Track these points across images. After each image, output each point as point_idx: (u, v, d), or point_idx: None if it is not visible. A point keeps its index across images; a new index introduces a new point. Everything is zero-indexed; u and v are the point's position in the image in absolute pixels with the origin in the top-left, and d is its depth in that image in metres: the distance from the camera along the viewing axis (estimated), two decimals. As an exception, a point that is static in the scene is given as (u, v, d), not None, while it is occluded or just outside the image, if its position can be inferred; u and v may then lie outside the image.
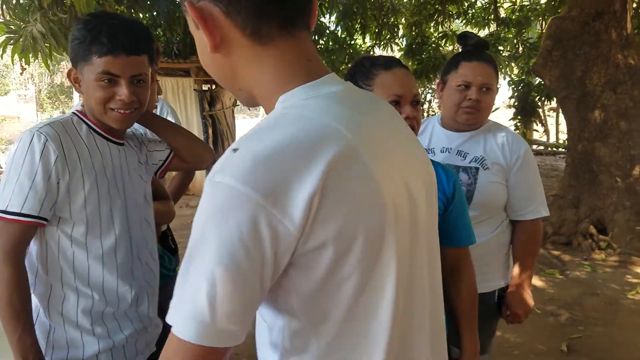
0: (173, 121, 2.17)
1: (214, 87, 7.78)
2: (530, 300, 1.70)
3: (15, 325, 1.11)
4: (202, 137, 7.26)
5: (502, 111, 11.79)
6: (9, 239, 1.11)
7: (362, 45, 8.81)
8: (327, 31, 7.62)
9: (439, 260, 0.82)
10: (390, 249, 0.66)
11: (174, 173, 2.20)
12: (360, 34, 7.98)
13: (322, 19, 7.50)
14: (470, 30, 10.06)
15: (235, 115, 9.01)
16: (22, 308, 1.12)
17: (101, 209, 1.21)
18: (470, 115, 1.63)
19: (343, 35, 7.71)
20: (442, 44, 8.63)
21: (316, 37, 7.44)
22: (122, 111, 1.19)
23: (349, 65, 1.84)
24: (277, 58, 0.69)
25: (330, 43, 7.78)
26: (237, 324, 0.60)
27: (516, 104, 10.24)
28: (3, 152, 11.11)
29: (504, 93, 11.06)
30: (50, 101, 20.12)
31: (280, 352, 0.70)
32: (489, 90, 1.62)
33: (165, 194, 1.81)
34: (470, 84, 1.60)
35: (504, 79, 9.89)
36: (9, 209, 1.11)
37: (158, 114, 2.20)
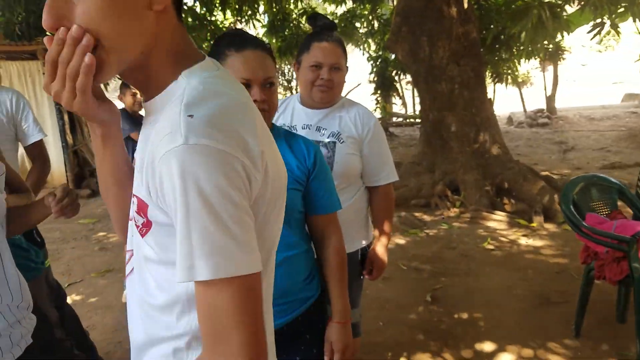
0: (28, 115, 2.07)
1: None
2: (384, 256, 1.88)
3: None
4: (57, 125, 6.56)
5: (365, 86, 12.39)
6: None
7: (224, 22, 8.57)
8: (185, 7, 7.27)
9: None
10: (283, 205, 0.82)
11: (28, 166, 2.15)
12: (220, 10, 7.76)
13: (179, -6, 7.13)
14: (327, 7, 10.33)
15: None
16: None
17: None
18: (324, 94, 1.74)
19: (202, 12, 7.44)
20: (303, 21, 8.76)
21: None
22: None
23: (212, 42, 1.85)
24: (185, 36, 0.76)
25: (190, 19, 7.47)
26: (255, 249, 0.64)
27: (375, 79, 10.84)
28: None
29: (365, 69, 11.64)
30: None
31: None
32: (338, 69, 1.74)
33: (24, 187, 1.74)
34: (321, 64, 1.71)
35: (363, 54, 10.37)
36: None
37: (10, 109, 2.03)
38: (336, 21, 9.02)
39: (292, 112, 1.84)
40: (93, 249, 4.77)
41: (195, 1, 7.33)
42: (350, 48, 9.93)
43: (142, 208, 0.71)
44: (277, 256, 1.17)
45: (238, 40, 1.22)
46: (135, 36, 0.69)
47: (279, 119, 1.82)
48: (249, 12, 7.87)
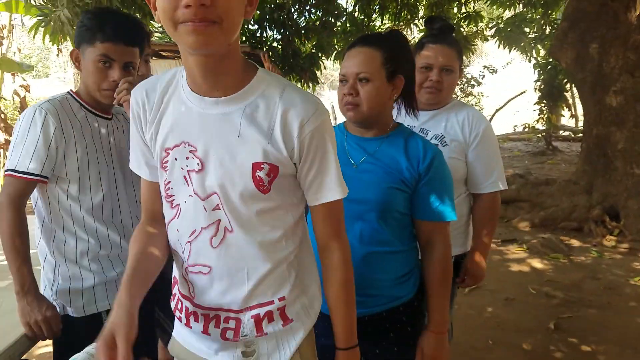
0: None
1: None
2: (484, 266, 1.80)
3: (15, 258, 1.35)
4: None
5: (530, 94, 11.52)
6: (16, 191, 1.37)
7: (381, 27, 8.75)
8: (345, 13, 7.61)
9: None
10: None
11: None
12: (379, 16, 7.94)
13: (339, 1, 7.51)
14: (495, 11, 9.82)
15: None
16: (21, 244, 1.36)
17: (90, 171, 1.45)
18: (431, 95, 1.73)
19: (361, 17, 7.69)
20: (465, 25, 8.49)
21: (332, 20, 7.47)
22: (111, 91, 1.43)
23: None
24: None
25: (348, 25, 7.78)
26: None
27: (542, 87, 10.00)
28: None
29: (530, 76, 10.83)
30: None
31: None
32: (450, 71, 1.71)
33: None
34: (431, 66, 1.70)
35: (529, 61, 9.65)
36: (17, 168, 1.35)
37: None
38: (501, 25, 8.59)
39: (398, 113, 1.86)
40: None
41: (354, 7, 7.62)
42: (514, 54, 9.34)
43: (273, 170, 0.94)
44: (364, 249, 1.30)
45: (354, 40, 1.33)
46: (234, 36, 0.87)
47: None
48: (408, 17, 7.92)
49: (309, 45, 7.99)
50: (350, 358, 1.13)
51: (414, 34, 8.81)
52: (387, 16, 7.99)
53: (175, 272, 1.09)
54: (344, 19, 7.70)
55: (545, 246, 4.76)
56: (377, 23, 8.70)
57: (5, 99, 7.79)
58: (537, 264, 4.39)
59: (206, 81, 0.91)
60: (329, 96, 16.34)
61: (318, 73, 7.36)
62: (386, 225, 1.32)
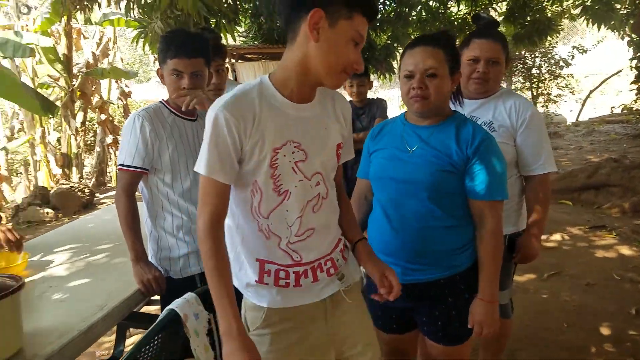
0: None
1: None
2: (537, 245, 1.87)
3: (130, 234, 1.71)
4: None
5: (627, 72, 10.68)
6: (127, 182, 1.72)
7: (457, 13, 8.59)
8: (420, 2, 7.58)
9: None
10: None
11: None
12: (456, 2, 7.82)
13: (414, -10, 7.50)
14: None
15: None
16: (134, 223, 1.72)
17: (180, 163, 1.76)
18: (479, 85, 1.87)
19: (436, 5, 7.63)
20: (549, 5, 8.10)
21: (406, 10, 7.48)
22: (184, 97, 1.74)
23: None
24: None
25: (423, 13, 7.75)
26: None
27: (638, 65, 9.27)
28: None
29: (625, 54, 10.04)
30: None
31: None
32: (496, 63, 1.84)
33: None
34: (478, 58, 1.84)
35: (622, 38, 8.98)
36: (125, 163, 1.70)
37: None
38: (588, 3, 8.08)
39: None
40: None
41: (430, -5, 7.57)
42: (604, 32, 8.73)
43: (342, 145, 1.34)
44: (419, 224, 1.52)
45: (414, 41, 1.52)
46: None
47: None
48: (486, 2, 7.72)
49: (384, 36, 8.05)
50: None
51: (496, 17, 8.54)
52: (464, 2, 7.83)
53: (267, 256, 1.27)
54: (418, 8, 7.67)
55: (636, 232, 4.52)
56: (454, 10, 8.54)
57: (113, 103, 8.68)
58: (625, 250, 4.19)
59: (301, 94, 1.22)
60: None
61: (394, 63, 7.42)
62: (437, 203, 1.48)
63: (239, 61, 8.25)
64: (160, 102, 1.83)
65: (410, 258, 1.52)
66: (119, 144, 9.31)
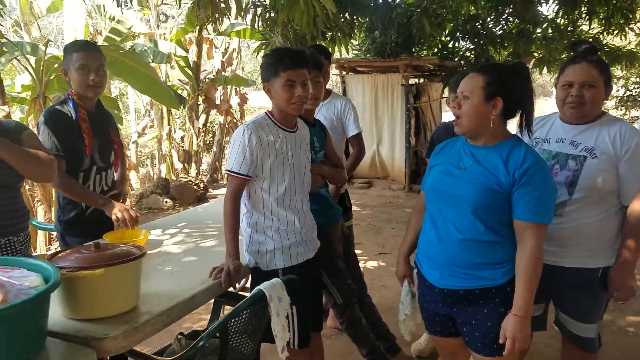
0: (350, 116, 2.85)
1: (420, 81, 8.19)
2: (630, 281, 1.79)
3: (230, 232, 1.87)
4: (404, 128, 7.77)
5: None
6: (234, 187, 1.89)
7: (588, 32, 8.03)
8: (546, 20, 7.24)
9: None
10: None
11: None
12: (587, 20, 7.33)
13: (539, 8, 7.19)
14: None
15: (445, 107, 9.28)
16: (235, 223, 1.88)
17: (277, 171, 1.92)
18: (573, 110, 1.83)
19: (565, 23, 7.22)
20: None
21: (530, 27, 7.19)
22: (298, 103, 1.89)
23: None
24: None
25: (550, 31, 7.39)
26: None
27: None
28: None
29: None
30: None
31: None
32: (592, 87, 1.79)
33: (340, 164, 2.47)
34: (572, 83, 1.82)
35: None
36: (233, 170, 1.87)
37: (340, 111, 2.87)
38: None
39: (550, 127, 1.96)
40: (408, 232, 5.61)
41: (557, 13, 7.20)
42: None
43: None
44: (460, 235, 1.61)
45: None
46: None
47: (536, 132, 1.95)
48: (621, 21, 7.15)
49: (504, 52, 7.80)
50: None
51: (630, 39, 7.88)
52: (596, 21, 7.32)
53: None
54: (544, 25, 7.32)
55: None
56: (585, 28, 8.02)
57: (232, 108, 9.37)
58: None
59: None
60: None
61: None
62: (481, 218, 1.56)
63: (350, 73, 8.49)
64: (265, 113, 1.98)
65: (449, 265, 1.63)
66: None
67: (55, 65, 5.70)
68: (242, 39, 8.95)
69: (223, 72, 8.55)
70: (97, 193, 2.20)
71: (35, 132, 2.09)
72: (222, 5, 4.84)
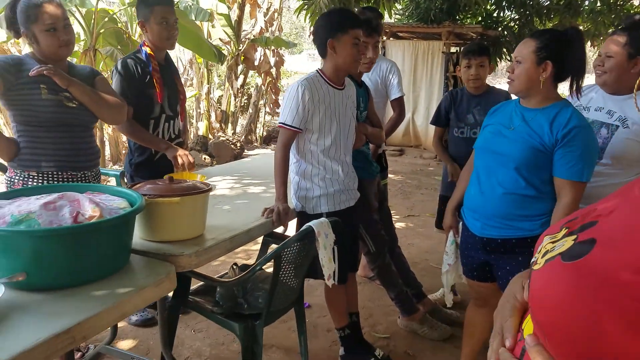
0: (395, 79, 2.96)
1: (460, 49, 8.13)
2: None
3: (280, 177, 2.06)
4: (441, 97, 7.78)
5: None
6: (286, 138, 2.06)
7: (638, 7, 7.77)
8: (593, -7, 7.06)
9: None
10: None
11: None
12: (638, -6, 7.11)
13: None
14: None
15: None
16: (285, 169, 2.07)
17: (325, 125, 2.09)
18: (598, 78, 1.97)
19: (612, -3, 7.03)
20: None
21: (579, 0, 7.04)
22: (361, 62, 2.07)
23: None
24: None
25: (598, 4, 7.21)
26: None
27: None
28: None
29: None
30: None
31: None
32: (610, 57, 1.89)
33: (380, 125, 2.64)
34: (600, 53, 1.96)
35: None
36: (286, 122, 2.04)
37: (385, 73, 2.97)
38: None
39: (593, 95, 2.05)
40: (435, 199, 5.73)
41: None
42: None
43: None
44: (503, 189, 1.78)
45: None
46: None
47: (581, 100, 2.03)
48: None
49: (549, 24, 7.65)
50: None
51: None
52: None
53: None
54: (592, -1, 7.14)
55: None
56: (635, 2, 7.76)
57: (272, 68, 9.46)
58: None
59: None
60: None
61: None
62: (523, 175, 1.71)
63: (391, 39, 8.47)
64: (317, 71, 2.13)
65: (490, 216, 1.79)
66: (272, 106, 10.10)
67: (106, 19, 5.93)
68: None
69: (265, 33, 8.64)
70: (160, 138, 2.40)
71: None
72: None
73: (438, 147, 3.01)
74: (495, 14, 8.17)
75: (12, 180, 1.97)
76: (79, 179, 2.07)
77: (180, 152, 2.30)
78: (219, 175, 2.69)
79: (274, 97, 9.63)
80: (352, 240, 2.30)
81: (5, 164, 2.05)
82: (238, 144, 7.90)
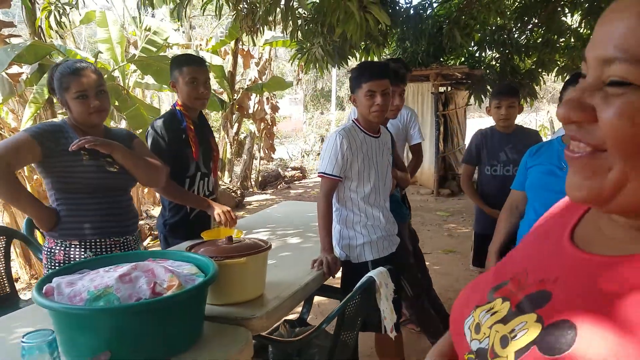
0: (415, 125, 3.09)
1: (448, 89, 8.41)
2: None
3: (323, 230, 2.10)
4: (434, 135, 7.97)
5: None
6: (327, 188, 2.13)
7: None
8: (569, 30, 7.44)
9: None
10: None
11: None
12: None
13: (564, 18, 7.40)
14: None
15: (468, 114, 9.50)
16: (328, 222, 2.12)
17: (364, 172, 2.17)
18: None
19: (587, 33, 7.41)
20: None
21: (555, 37, 7.39)
22: (379, 111, 2.13)
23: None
24: None
25: (572, 40, 7.57)
26: None
27: None
28: (282, 144, 13.94)
29: None
30: (313, 103, 23.32)
31: None
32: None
33: (405, 168, 2.74)
34: None
35: None
36: (326, 172, 2.11)
37: (406, 120, 3.10)
38: None
39: None
40: (443, 234, 5.84)
41: (580, 23, 7.40)
42: None
43: None
44: None
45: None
46: None
47: None
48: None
49: (529, 61, 8.00)
50: None
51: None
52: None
53: None
54: (568, 35, 7.53)
55: None
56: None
57: (266, 115, 9.59)
58: None
59: None
60: (548, 110, 15.63)
61: (537, 88, 7.38)
62: None
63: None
64: (352, 121, 2.23)
65: None
66: (267, 151, 10.11)
67: (105, 76, 6.01)
68: (273, 48, 9.25)
69: (259, 81, 8.83)
70: (201, 197, 2.43)
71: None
72: (270, 18, 5.11)
73: (469, 187, 3.03)
74: (477, 54, 8.52)
75: (53, 250, 1.95)
76: (122, 245, 2.06)
77: (224, 208, 2.32)
78: (249, 228, 2.71)
79: (269, 142, 9.73)
80: (397, 286, 2.32)
81: (44, 234, 2.02)
82: (238, 192, 7.91)
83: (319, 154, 12.49)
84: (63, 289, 1.24)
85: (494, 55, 8.50)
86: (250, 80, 9.11)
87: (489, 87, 8.27)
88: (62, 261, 1.92)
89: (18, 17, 6.64)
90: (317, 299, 2.80)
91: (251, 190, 9.61)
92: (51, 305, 1.18)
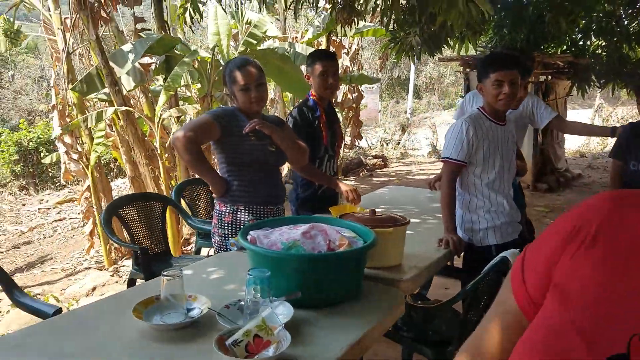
0: (541, 105, 3.07)
1: (549, 78, 8.10)
2: None
3: (446, 212, 2.23)
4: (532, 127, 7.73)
5: None
6: (449, 171, 2.24)
7: None
8: None
9: None
10: None
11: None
12: None
13: None
14: None
15: (568, 105, 9.11)
16: (451, 205, 2.24)
17: (489, 159, 2.25)
18: None
19: None
20: None
21: None
22: (506, 100, 2.19)
23: None
24: None
25: None
26: None
27: None
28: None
29: None
30: (388, 92, 23.02)
31: None
32: None
33: (522, 156, 2.80)
34: None
35: None
36: (450, 157, 2.23)
37: (529, 105, 3.09)
38: None
39: None
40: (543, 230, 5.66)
41: None
42: None
43: None
44: None
45: None
46: None
47: None
48: None
49: (640, 50, 7.51)
50: None
51: None
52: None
53: None
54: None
55: None
56: None
57: (354, 104, 9.80)
58: None
59: None
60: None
61: (649, 79, 6.92)
62: None
63: (474, 70, 8.57)
64: (478, 109, 2.32)
65: None
66: (353, 139, 10.32)
67: (220, 68, 6.47)
68: (362, 38, 9.42)
69: (348, 72, 9.03)
70: (330, 176, 2.70)
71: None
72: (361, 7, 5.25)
73: (620, 184, 2.88)
74: (581, 42, 8.11)
75: (223, 213, 2.28)
76: (275, 212, 2.35)
77: (349, 186, 2.54)
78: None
79: (357, 130, 9.95)
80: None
81: (216, 199, 2.34)
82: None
83: (398, 143, 12.48)
84: (262, 239, 1.51)
85: (600, 43, 8.07)
86: (341, 70, 9.34)
87: (594, 78, 7.86)
88: (230, 222, 2.25)
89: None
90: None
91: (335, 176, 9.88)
92: (259, 251, 1.48)
